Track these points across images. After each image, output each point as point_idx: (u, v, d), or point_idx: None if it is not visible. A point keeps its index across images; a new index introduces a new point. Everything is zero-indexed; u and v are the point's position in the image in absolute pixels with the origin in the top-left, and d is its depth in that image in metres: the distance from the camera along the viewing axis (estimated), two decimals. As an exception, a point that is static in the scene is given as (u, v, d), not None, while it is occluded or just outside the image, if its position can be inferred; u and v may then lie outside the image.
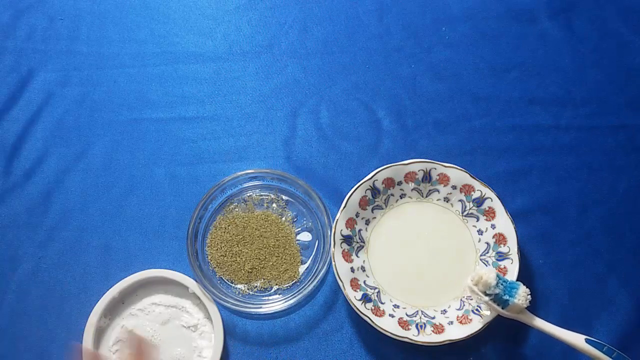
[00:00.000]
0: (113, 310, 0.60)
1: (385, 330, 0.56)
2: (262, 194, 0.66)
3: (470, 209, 0.63)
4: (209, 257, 0.63)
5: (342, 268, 0.58)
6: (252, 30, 0.75)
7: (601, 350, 0.51)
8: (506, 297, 0.53)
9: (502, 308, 0.54)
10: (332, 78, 0.72)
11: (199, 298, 0.59)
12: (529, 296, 0.53)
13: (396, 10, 0.76)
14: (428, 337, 0.56)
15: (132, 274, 0.60)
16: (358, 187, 0.61)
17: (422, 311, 0.59)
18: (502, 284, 0.54)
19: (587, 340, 0.52)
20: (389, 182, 0.63)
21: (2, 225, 0.65)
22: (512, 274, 0.58)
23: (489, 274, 0.53)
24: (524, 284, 0.54)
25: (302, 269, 0.62)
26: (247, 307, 0.59)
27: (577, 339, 0.52)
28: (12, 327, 0.60)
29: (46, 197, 0.66)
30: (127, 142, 0.69)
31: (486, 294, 0.54)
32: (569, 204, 0.65)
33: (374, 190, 0.63)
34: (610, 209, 0.65)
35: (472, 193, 0.62)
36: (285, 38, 0.74)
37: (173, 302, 0.61)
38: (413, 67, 0.73)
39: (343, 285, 0.57)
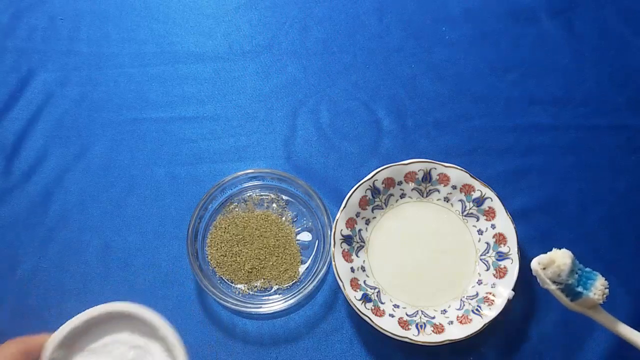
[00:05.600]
0: (72, 341, 0.45)
1: (385, 330, 0.56)
2: (262, 194, 0.66)
3: (470, 208, 0.63)
4: (209, 257, 0.63)
5: (342, 268, 0.58)
6: (252, 30, 0.75)
7: None
8: (579, 288, 0.45)
9: (571, 300, 0.45)
10: (332, 78, 0.72)
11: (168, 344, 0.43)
12: (607, 290, 0.45)
13: (396, 10, 0.76)
14: (428, 337, 0.56)
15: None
16: (358, 187, 0.61)
17: (422, 311, 0.59)
18: (577, 273, 0.45)
19: None
20: (389, 182, 0.63)
21: (2, 225, 0.65)
22: (512, 274, 0.58)
23: (564, 259, 0.44)
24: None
25: (302, 269, 0.62)
26: (247, 307, 0.59)
27: None
28: (12, 327, 0.60)
29: (46, 197, 0.66)
30: (127, 142, 0.69)
31: (555, 282, 0.45)
32: (569, 204, 0.65)
33: (374, 190, 0.63)
34: (610, 209, 0.65)
35: (472, 193, 0.62)
36: (285, 38, 0.74)
37: (140, 342, 0.44)
38: (413, 67, 0.73)
39: (343, 285, 0.57)
